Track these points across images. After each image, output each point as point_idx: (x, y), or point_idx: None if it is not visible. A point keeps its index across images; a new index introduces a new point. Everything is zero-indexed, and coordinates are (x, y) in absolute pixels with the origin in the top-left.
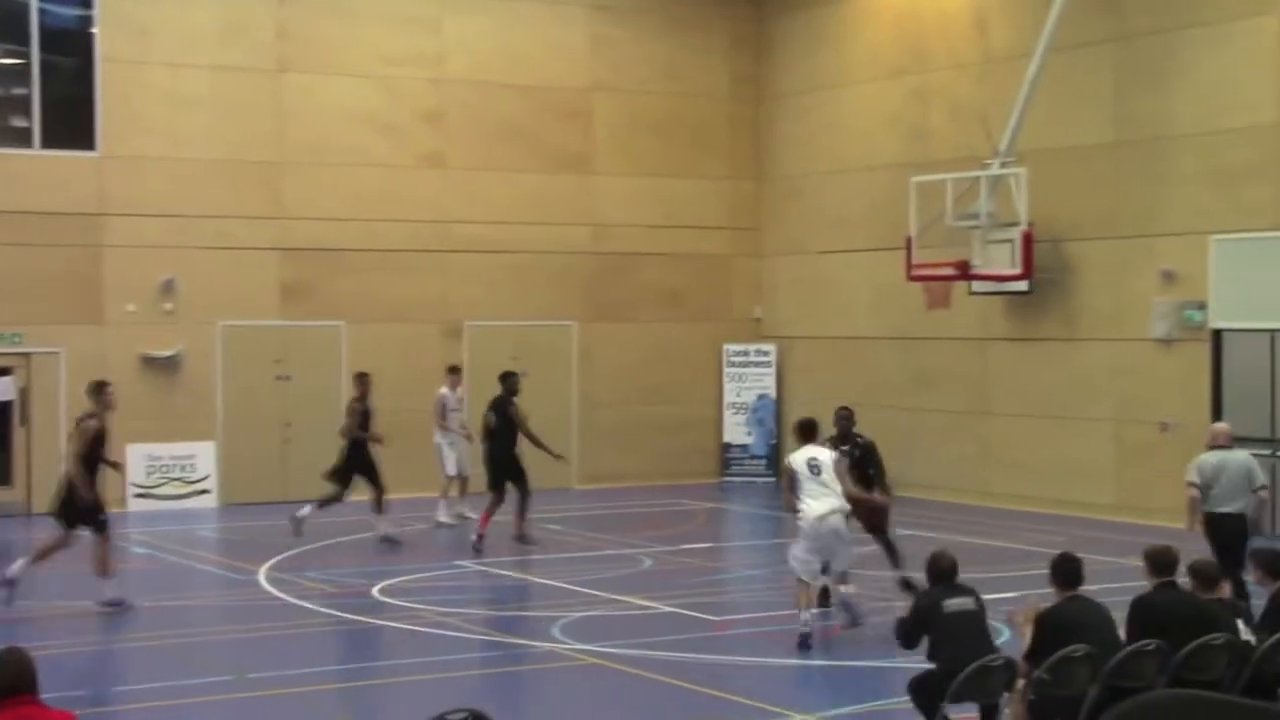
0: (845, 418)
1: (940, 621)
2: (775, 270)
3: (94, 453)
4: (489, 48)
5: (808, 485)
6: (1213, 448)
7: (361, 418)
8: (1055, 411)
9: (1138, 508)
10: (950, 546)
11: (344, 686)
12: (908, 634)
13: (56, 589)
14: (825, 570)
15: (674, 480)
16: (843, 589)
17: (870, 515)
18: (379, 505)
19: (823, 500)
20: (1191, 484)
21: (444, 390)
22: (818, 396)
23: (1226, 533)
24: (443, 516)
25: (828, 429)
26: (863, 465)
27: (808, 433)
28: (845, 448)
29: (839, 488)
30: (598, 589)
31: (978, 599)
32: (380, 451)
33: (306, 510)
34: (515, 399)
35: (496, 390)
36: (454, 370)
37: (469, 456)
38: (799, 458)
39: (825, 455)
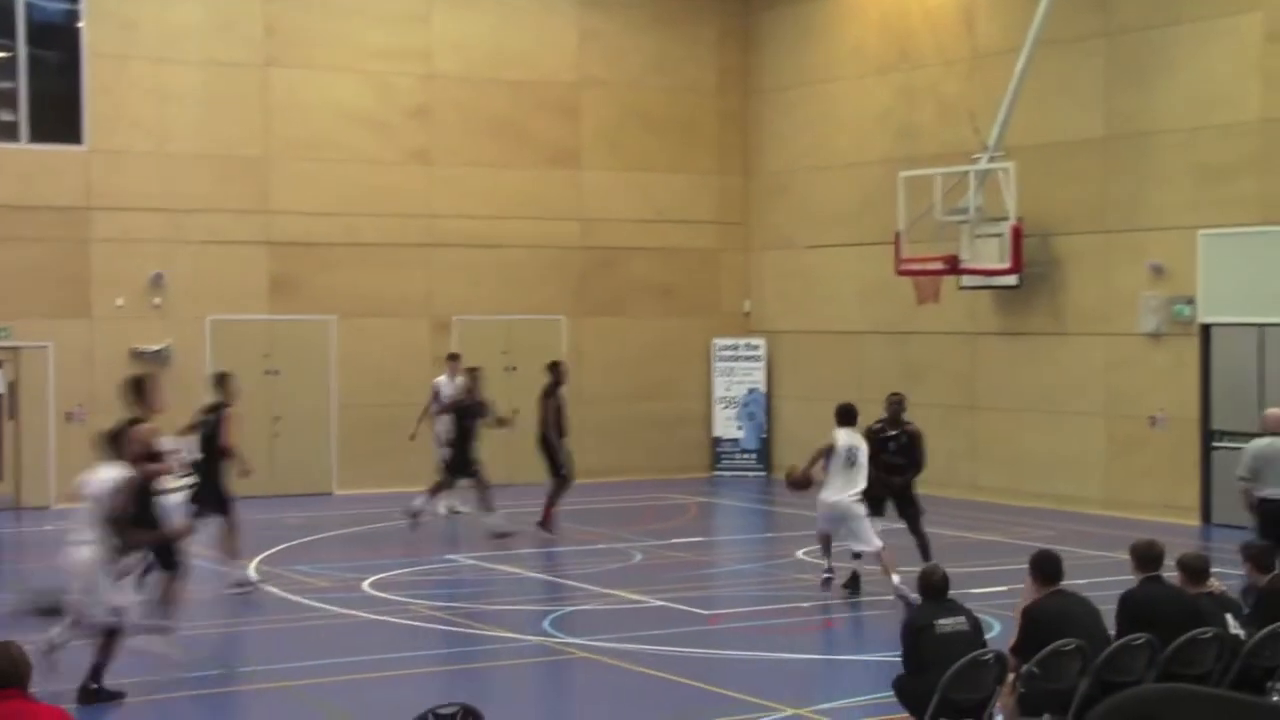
0: (897, 403)
1: (933, 642)
2: (764, 265)
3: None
4: (477, 43)
5: (837, 470)
6: (1264, 433)
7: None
8: (1044, 406)
9: (1126, 502)
10: (939, 541)
11: (334, 680)
12: (907, 657)
13: (51, 584)
14: (858, 556)
15: (664, 475)
16: (895, 579)
17: (901, 508)
18: (435, 491)
19: (838, 488)
20: (1241, 478)
21: (441, 379)
22: (807, 391)
23: (1277, 517)
24: (437, 508)
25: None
26: (908, 451)
27: (847, 417)
28: (894, 433)
29: (863, 478)
30: (589, 583)
31: (970, 618)
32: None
33: (491, 519)
34: (559, 389)
35: (490, 384)
36: (453, 358)
37: None
38: (842, 441)
39: (863, 447)
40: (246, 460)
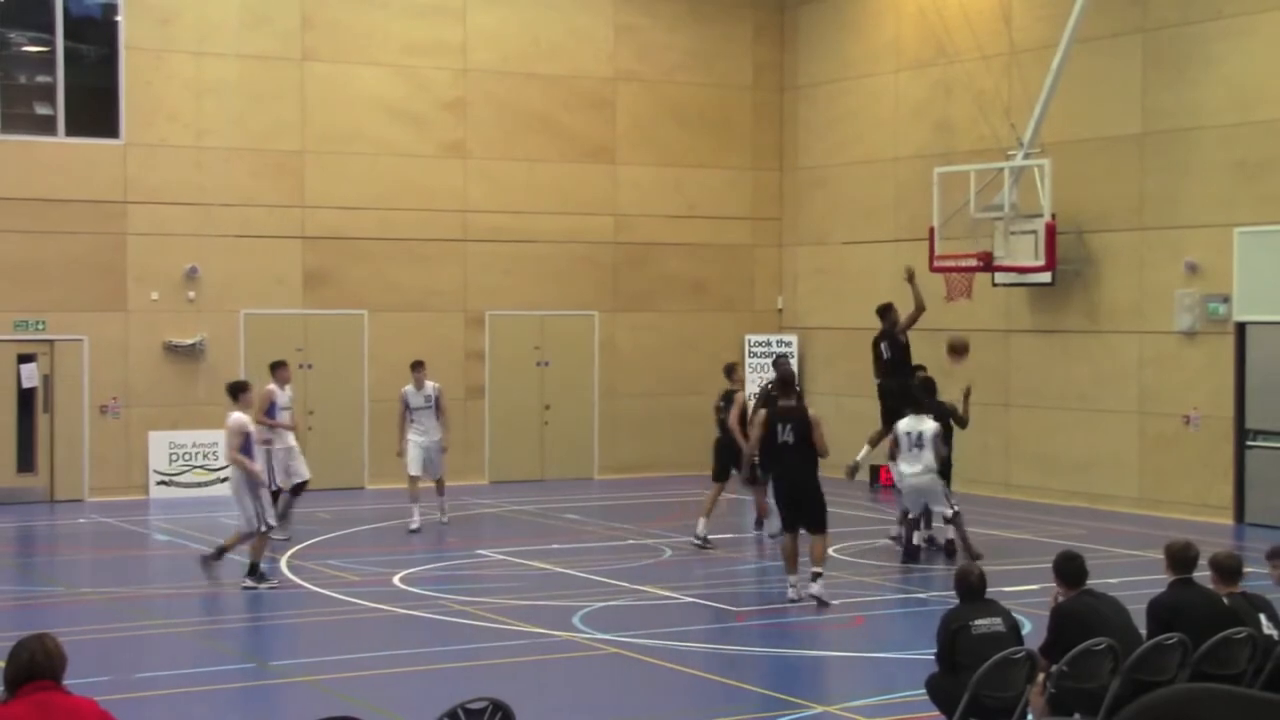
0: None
1: (969, 643)
2: (797, 260)
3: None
4: (513, 37)
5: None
6: None
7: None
8: (1077, 404)
9: (1160, 500)
10: (971, 539)
11: (364, 675)
12: (941, 656)
13: (85, 576)
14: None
15: (695, 470)
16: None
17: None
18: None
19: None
20: None
21: (407, 388)
22: (840, 387)
23: None
24: (441, 517)
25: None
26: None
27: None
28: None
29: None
30: (618, 579)
31: (1007, 619)
32: None
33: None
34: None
35: (522, 380)
36: (416, 366)
37: (438, 456)
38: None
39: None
40: (745, 446)
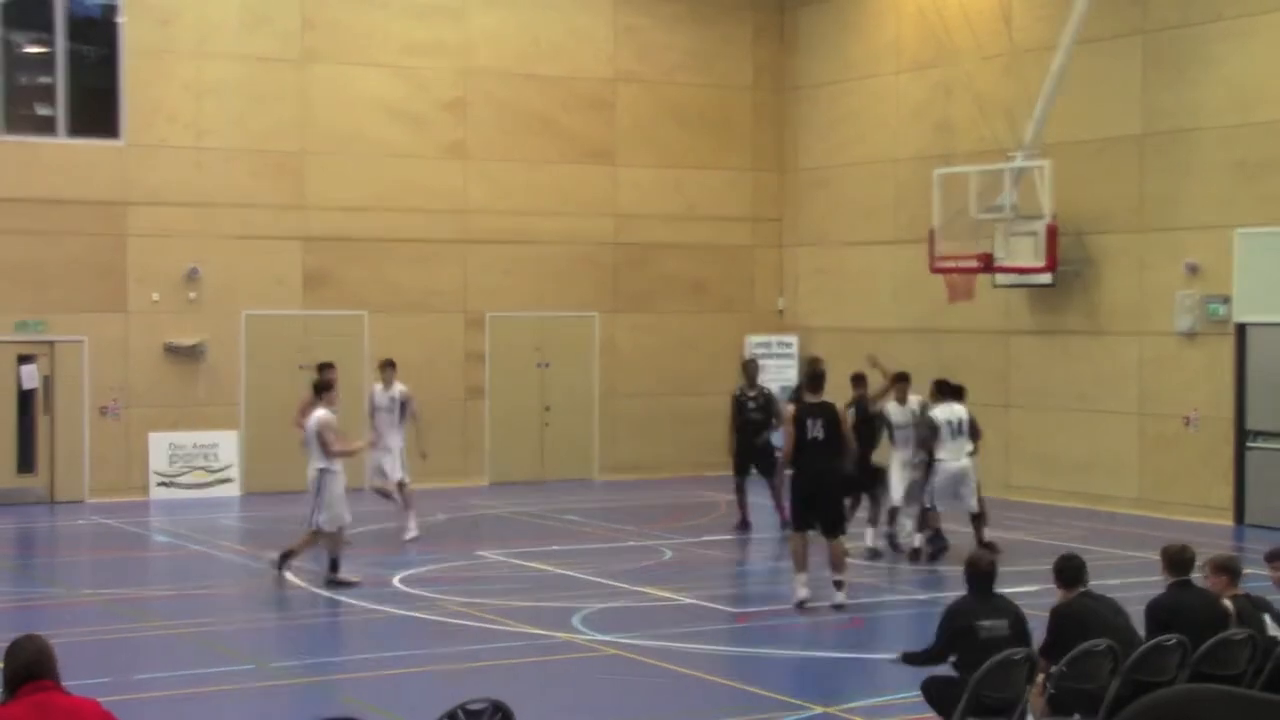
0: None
1: (974, 646)
2: (798, 261)
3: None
4: (513, 37)
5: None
6: None
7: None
8: (1078, 405)
9: (1160, 502)
10: (970, 540)
11: (365, 676)
12: (939, 642)
13: (85, 577)
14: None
15: (695, 471)
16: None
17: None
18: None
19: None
20: None
21: (375, 386)
22: (840, 388)
23: None
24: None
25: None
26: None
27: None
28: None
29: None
30: (618, 580)
31: (1013, 621)
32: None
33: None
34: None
35: (522, 381)
36: (386, 365)
37: (405, 462)
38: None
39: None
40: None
